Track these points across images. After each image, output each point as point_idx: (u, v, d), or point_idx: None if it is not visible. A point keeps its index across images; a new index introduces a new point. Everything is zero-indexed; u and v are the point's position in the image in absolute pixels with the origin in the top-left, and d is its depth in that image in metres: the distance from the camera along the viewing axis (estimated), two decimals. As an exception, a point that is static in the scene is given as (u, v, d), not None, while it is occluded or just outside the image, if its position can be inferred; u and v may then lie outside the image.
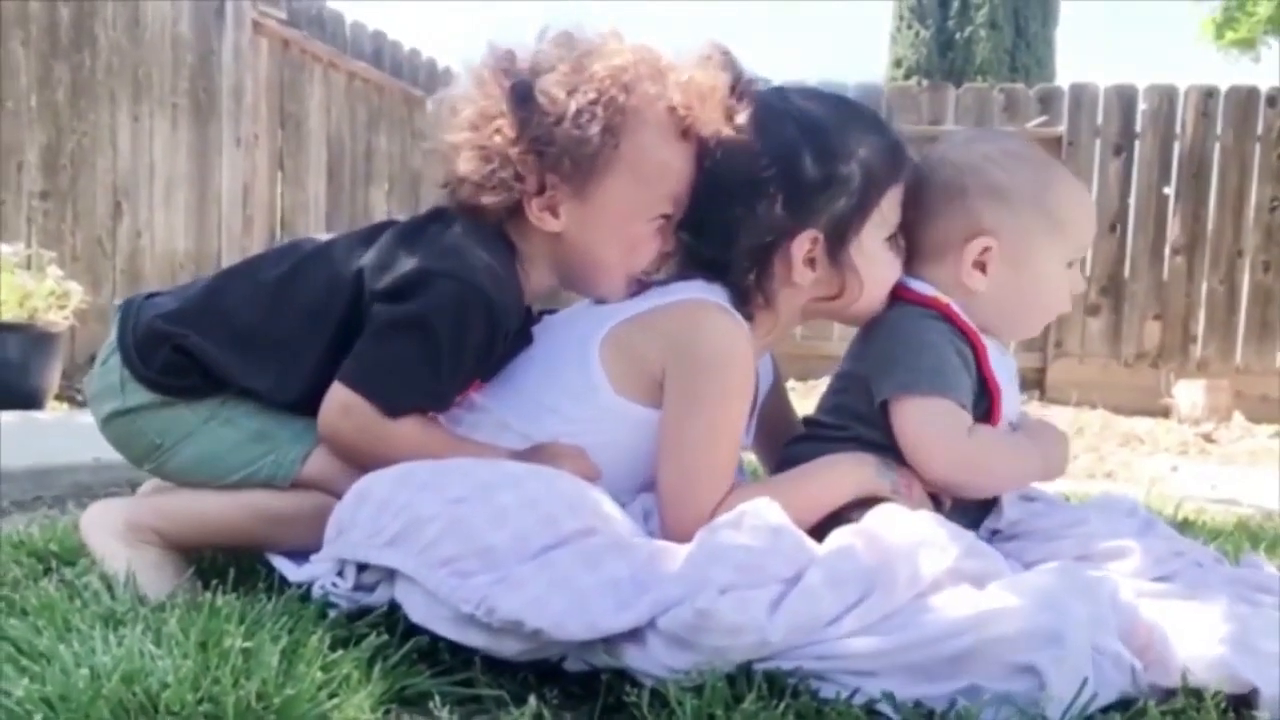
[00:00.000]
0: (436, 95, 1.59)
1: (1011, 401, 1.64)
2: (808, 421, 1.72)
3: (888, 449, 1.55)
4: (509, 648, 1.22)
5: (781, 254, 1.53)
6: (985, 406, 1.58)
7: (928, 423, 1.53)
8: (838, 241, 1.53)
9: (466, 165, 1.49)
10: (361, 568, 1.33)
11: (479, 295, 1.43)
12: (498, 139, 1.47)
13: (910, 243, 1.63)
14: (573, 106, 1.45)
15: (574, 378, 1.51)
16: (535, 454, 1.47)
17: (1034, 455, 1.62)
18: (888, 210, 1.56)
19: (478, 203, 1.50)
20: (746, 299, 1.54)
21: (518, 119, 1.46)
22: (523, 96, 1.47)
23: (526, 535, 1.26)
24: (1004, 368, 1.62)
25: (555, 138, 1.45)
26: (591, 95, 1.45)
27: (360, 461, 1.42)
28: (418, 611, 1.26)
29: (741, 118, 1.50)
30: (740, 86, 1.53)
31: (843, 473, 1.53)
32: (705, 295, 1.51)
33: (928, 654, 1.17)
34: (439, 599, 1.24)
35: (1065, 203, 1.63)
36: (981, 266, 1.61)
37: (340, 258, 1.53)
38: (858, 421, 1.60)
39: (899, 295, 1.62)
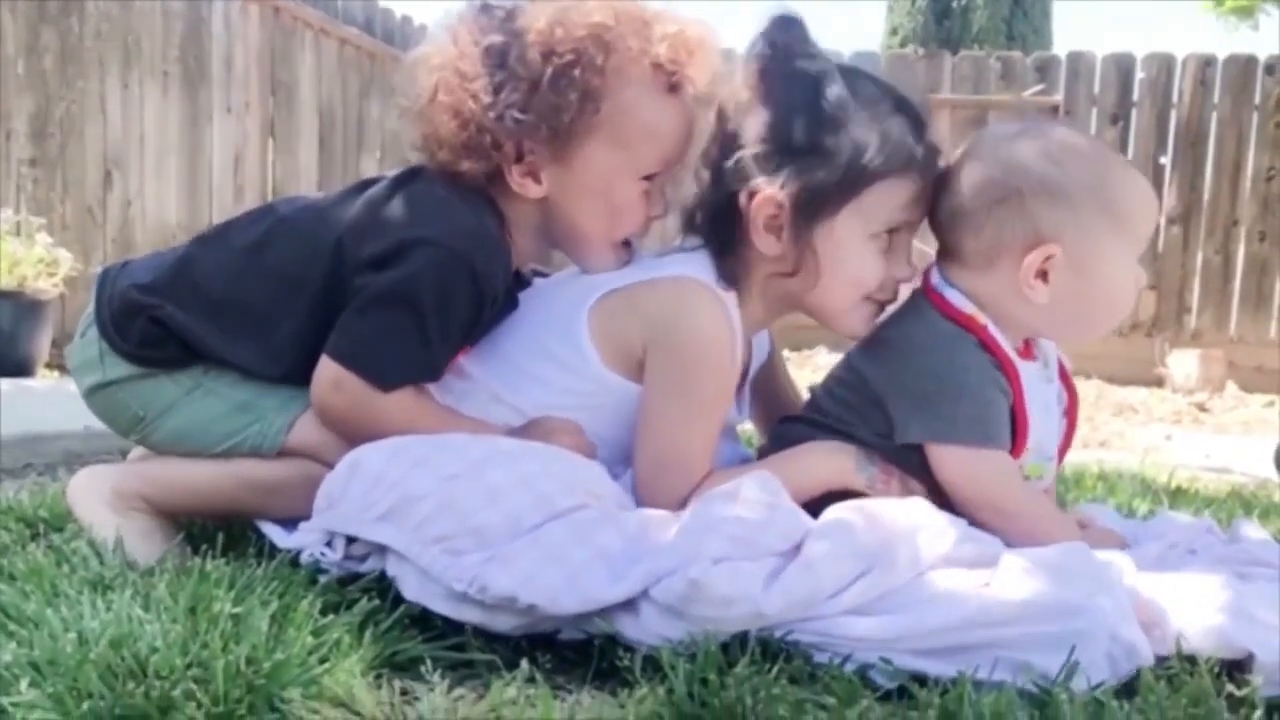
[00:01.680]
0: (411, 52, 1.52)
1: (1046, 430, 1.52)
2: (802, 416, 1.63)
3: (898, 462, 1.49)
4: (503, 623, 1.22)
5: (744, 207, 1.45)
6: (1012, 436, 1.48)
7: (972, 474, 1.45)
8: (805, 215, 1.43)
9: (443, 129, 1.45)
10: (351, 539, 1.32)
11: (462, 262, 1.40)
12: (472, 104, 1.42)
13: (948, 247, 1.51)
14: (549, 71, 1.40)
15: (561, 349, 1.49)
16: (531, 429, 1.46)
17: (1058, 532, 1.42)
18: (880, 204, 1.45)
19: (456, 168, 1.47)
20: (720, 257, 1.49)
21: (493, 84, 1.42)
22: (498, 59, 1.42)
23: (519, 514, 1.25)
24: (1040, 393, 1.52)
25: (531, 104, 1.41)
26: (569, 58, 1.40)
27: (354, 435, 1.41)
28: (410, 588, 1.25)
29: (758, 65, 1.45)
30: (785, 56, 1.46)
31: (820, 461, 1.50)
32: (690, 272, 1.47)
33: (932, 642, 1.16)
34: (431, 576, 1.23)
35: (1126, 195, 1.46)
36: (1043, 275, 1.44)
37: (316, 222, 1.49)
38: (861, 428, 1.51)
39: (931, 301, 1.50)
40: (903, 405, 1.47)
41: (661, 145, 1.48)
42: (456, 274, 1.40)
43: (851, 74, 1.48)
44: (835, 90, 1.44)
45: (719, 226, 1.48)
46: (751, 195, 1.44)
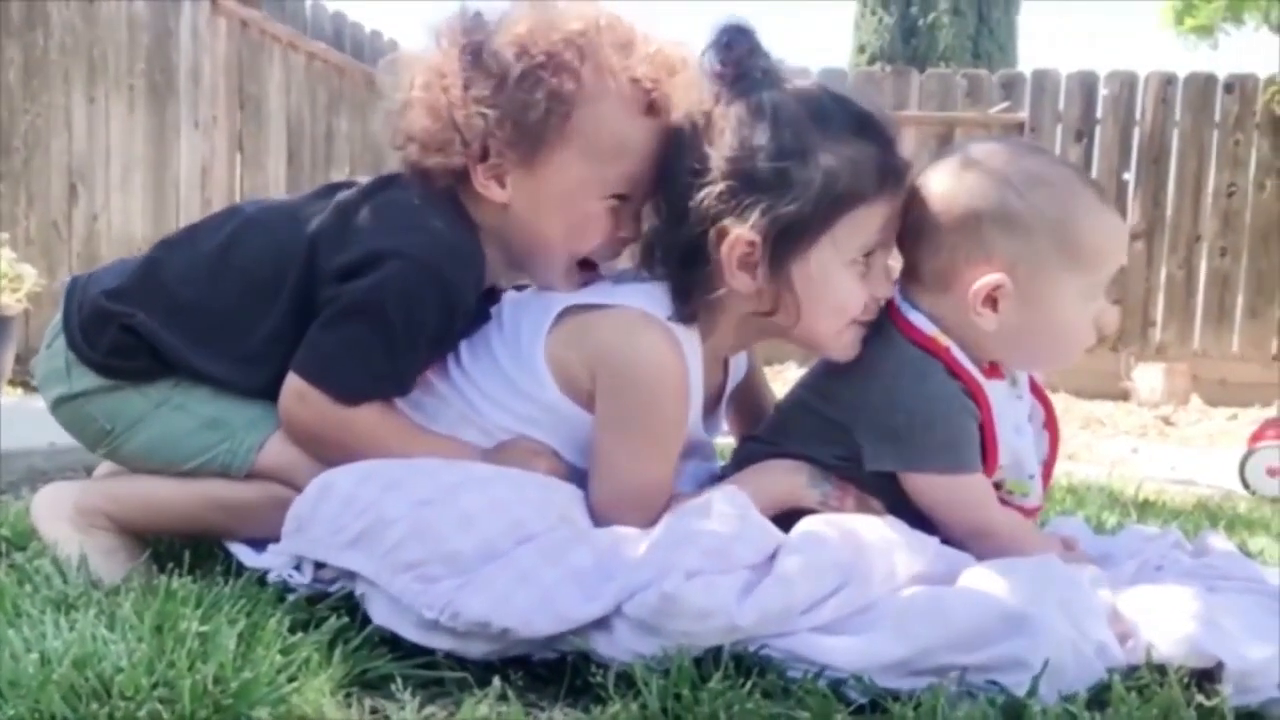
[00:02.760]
0: (390, 57, 1.52)
1: (1020, 448, 1.51)
2: (761, 437, 1.61)
3: (859, 483, 1.48)
4: (476, 649, 1.20)
5: (714, 249, 1.38)
6: (982, 455, 1.46)
7: (948, 500, 1.44)
8: (779, 251, 1.37)
9: (417, 125, 1.44)
10: (320, 564, 1.30)
11: (432, 274, 1.38)
12: (444, 98, 1.41)
13: (909, 265, 1.48)
14: (519, 68, 1.38)
15: (520, 375, 1.44)
16: (503, 453, 1.44)
17: (1035, 548, 1.42)
18: (854, 231, 1.39)
19: (424, 166, 1.45)
20: (682, 297, 1.41)
21: (464, 78, 1.40)
22: (473, 56, 1.41)
23: (492, 540, 1.24)
24: (1010, 412, 1.49)
25: (498, 100, 1.39)
26: (540, 59, 1.39)
27: (321, 450, 1.40)
28: (380, 614, 1.24)
29: (719, 97, 1.40)
30: (741, 65, 1.41)
31: (773, 481, 1.47)
32: (642, 304, 1.41)
33: (899, 668, 1.15)
34: (402, 604, 1.22)
35: (1089, 232, 1.41)
36: (992, 303, 1.41)
37: (285, 222, 1.47)
38: (823, 451, 1.49)
39: (893, 322, 1.47)
40: (871, 435, 1.45)
41: (633, 164, 1.43)
42: (425, 285, 1.38)
43: (810, 93, 1.42)
44: (796, 116, 1.38)
45: (684, 266, 1.41)
46: (721, 235, 1.37)
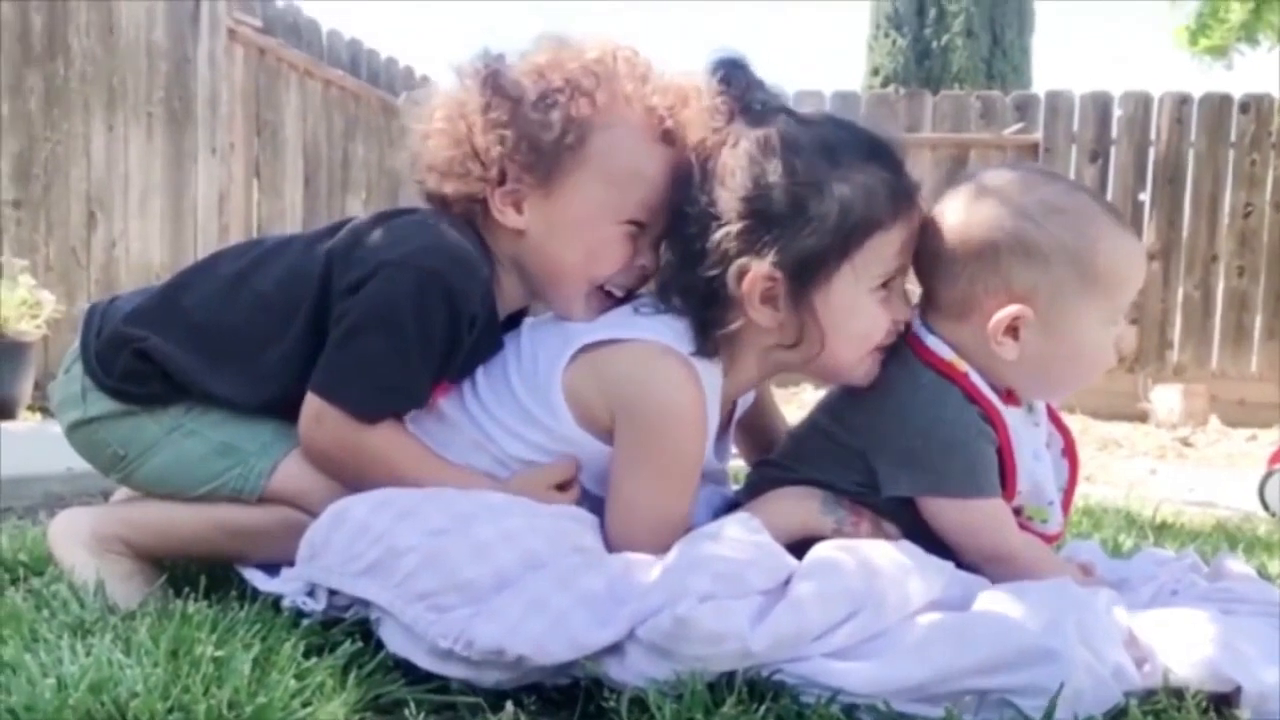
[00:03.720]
0: (414, 94, 1.54)
1: (1040, 474, 1.50)
2: (776, 461, 1.61)
3: (875, 507, 1.48)
4: (490, 678, 1.20)
5: (735, 286, 1.39)
6: (1001, 480, 1.45)
7: (966, 525, 1.44)
8: (800, 284, 1.38)
9: (435, 155, 1.47)
10: (334, 590, 1.30)
11: (435, 279, 1.38)
12: (463, 125, 1.44)
13: (926, 293, 1.49)
14: (535, 90, 1.42)
15: (536, 407, 1.44)
16: (519, 481, 1.44)
17: (1052, 573, 1.38)
18: (873, 258, 1.40)
19: (443, 192, 1.47)
20: (703, 332, 1.42)
21: (482, 103, 1.43)
22: (492, 83, 1.44)
23: (506, 570, 1.24)
24: (1028, 439, 1.49)
25: (514, 122, 1.42)
26: (557, 83, 1.42)
27: (339, 472, 1.40)
28: (395, 642, 1.24)
29: (727, 132, 1.41)
30: (743, 99, 1.44)
31: (788, 510, 1.47)
32: (661, 338, 1.41)
33: (920, 685, 1.14)
34: (415, 633, 1.22)
35: (1109, 259, 1.41)
36: (1013, 333, 1.42)
37: (303, 250, 1.49)
38: (839, 477, 1.49)
39: (912, 347, 1.47)
40: (888, 460, 1.45)
41: (648, 191, 1.44)
42: (430, 291, 1.38)
43: (816, 122, 1.44)
44: (806, 148, 1.38)
45: (704, 304, 1.41)
46: (741, 273, 1.38)
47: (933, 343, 1.46)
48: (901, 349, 1.48)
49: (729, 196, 1.38)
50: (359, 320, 1.39)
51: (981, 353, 1.44)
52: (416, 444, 1.46)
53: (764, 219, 1.37)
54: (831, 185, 1.37)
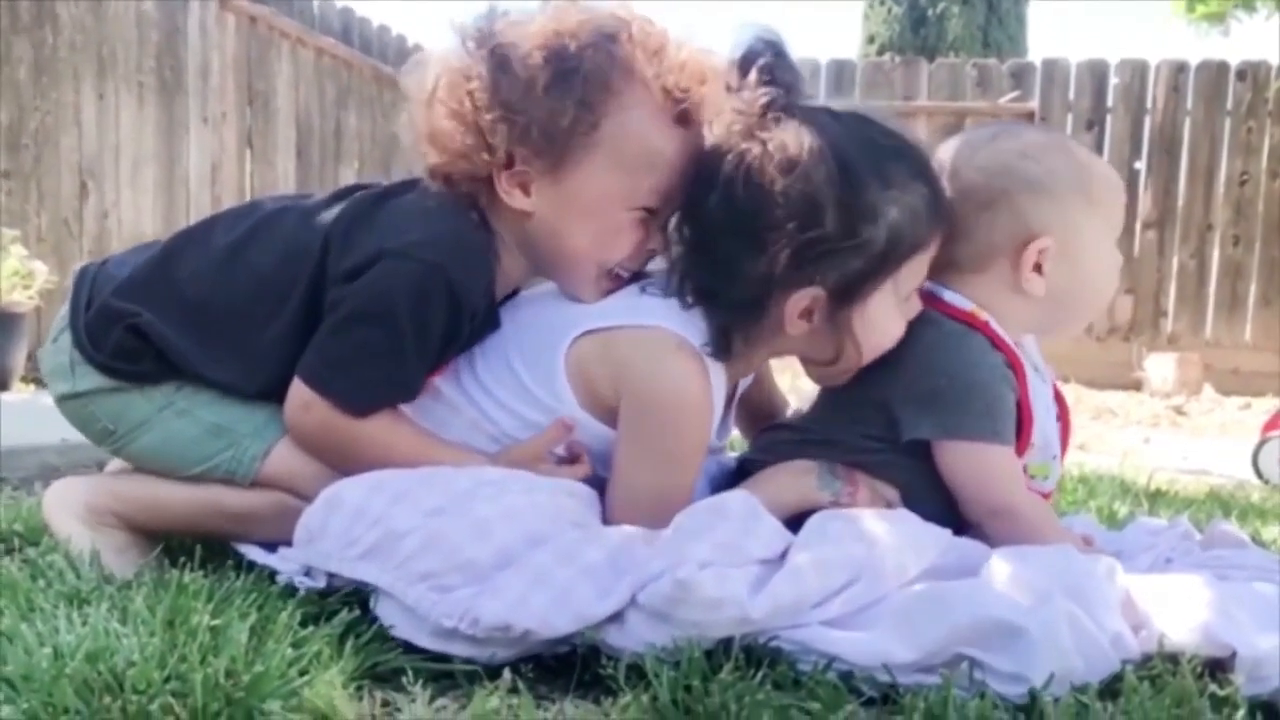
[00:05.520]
0: (415, 57, 1.46)
1: (1049, 427, 1.54)
2: (784, 423, 1.64)
3: (883, 465, 1.49)
4: (494, 654, 1.19)
5: (776, 304, 1.38)
6: (1016, 432, 1.48)
7: (979, 471, 1.45)
8: (841, 303, 1.38)
9: (439, 128, 1.40)
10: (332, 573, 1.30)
11: (438, 275, 1.34)
12: (469, 103, 1.37)
13: (937, 260, 1.48)
14: (548, 74, 1.34)
15: (538, 387, 1.42)
16: (515, 453, 1.42)
17: (1055, 538, 1.39)
18: (912, 275, 1.42)
19: (446, 172, 1.42)
20: (725, 338, 1.40)
21: (489, 82, 1.36)
22: (500, 61, 1.36)
23: (508, 548, 1.23)
24: (1040, 391, 1.53)
25: (525, 106, 1.34)
26: (571, 64, 1.34)
27: (330, 458, 1.39)
28: (395, 624, 1.23)
29: (774, 140, 1.33)
30: (782, 98, 1.35)
31: (785, 486, 1.47)
32: (672, 325, 1.38)
33: (910, 654, 1.15)
34: (418, 613, 1.21)
35: (1102, 179, 1.54)
36: (1037, 268, 1.49)
37: (299, 224, 1.44)
38: (850, 432, 1.51)
39: (933, 305, 1.49)
40: (911, 403, 1.46)
41: (661, 175, 1.39)
42: (431, 286, 1.34)
43: (861, 129, 1.39)
44: (856, 165, 1.34)
45: (728, 312, 1.39)
46: (784, 295, 1.38)
47: (950, 297, 1.51)
48: (922, 309, 1.49)
49: (777, 214, 1.33)
50: (355, 310, 1.36)
51: (1001, 302, 1.50)
52: (408, 428, 1.43)
53: (814, 242, 1.33)
54: (883, 208, 1.35)
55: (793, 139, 1.33)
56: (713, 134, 1.39)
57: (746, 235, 1.35)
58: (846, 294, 1.38)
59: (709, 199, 1.36)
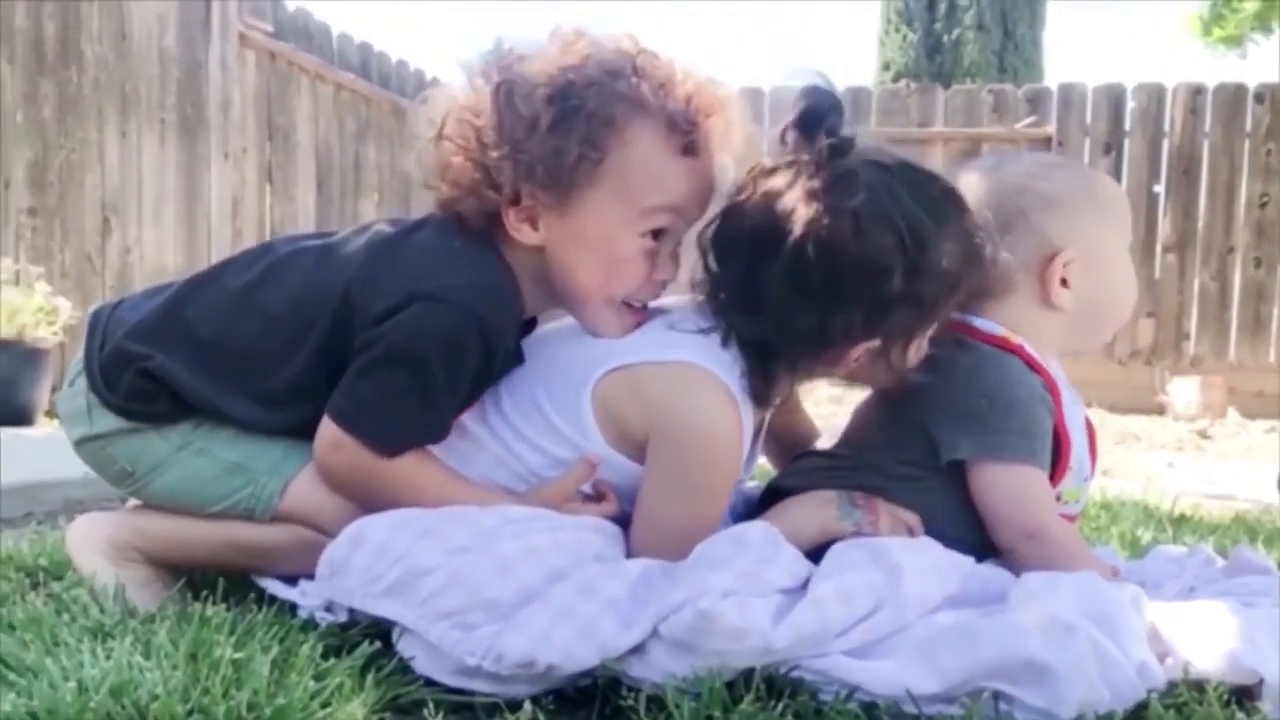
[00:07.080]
0: (424, 93, 1.48)
1: (1080, 450, 1.54)
2: (818, 450, 1.64)
3: (917, 491, 1.49)
4: (516, 690, 1.19)
5: (831, 356, 1.40)
6: (1054, 455, 1.49)
7: (1014, 492, 1.45)
8: (889, 347, 1.40)
9: (447, 165, 1.41)
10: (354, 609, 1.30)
11: (471, 318, 1.34)
12: (476, 141, 1.38)
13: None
14: (553, 113, 1.34)
15: (564, 424, 1.42)
16: (542, 493, 1.42)
17: (1084, 565, 1.37)
18: (948, 312, 1.45)
19: (456, 207, 1.43)
20: (768, 385, 1.41)
21: (495, 120, 1.37)
22: (506, 98, 1.37)
23: (531, 586, 1.24)
24: (1075, 414, 1.54)
25: (530, 144, 1.35)
26: (574, 103, 1.34)
27: (357, 496, 1.39)
28: (418, 660, 1.23)
29: (842, 206, 1.30)
30: (844, 162, 1.33)
31: (805, 517, 1.46)
32: (703, 361, 1.37)
33: (934, 686, 1.14)
34: (441, 652, 1.21)
35: (1106, 188, 1.61)
36: (1064, 282, 1.52)
37: (316, 264, 1.44)
38: (886, 457, 1.52)
39: (966, 334, 1.51)
40: (949, 423, 1.46)
41: (667, 200, 1.40)
42: (464, 330, 1.34)
43: (917, 181, 1.38)
44: (920, 224, 1.33)
45: (774, 361, 1.40)
46: (843, 353, 1.40)
47: (981, 324, 1.52)
48: (954, 337, 1.50)
49: (848, 283, 1.33)
50: (387, 352, 1.35)
51: (1028, 322, 1.52)
52: (436, 468, 1.42)
53: (882, 304, 1.35)
54: (941, 263, 1.36)
55: (861, 204, 1.31)
56: (765, 189, 1.36)
57: (813, 300, 1.33)
58: (898, 341, 1.40)
59: (771, 266, 1.34)
